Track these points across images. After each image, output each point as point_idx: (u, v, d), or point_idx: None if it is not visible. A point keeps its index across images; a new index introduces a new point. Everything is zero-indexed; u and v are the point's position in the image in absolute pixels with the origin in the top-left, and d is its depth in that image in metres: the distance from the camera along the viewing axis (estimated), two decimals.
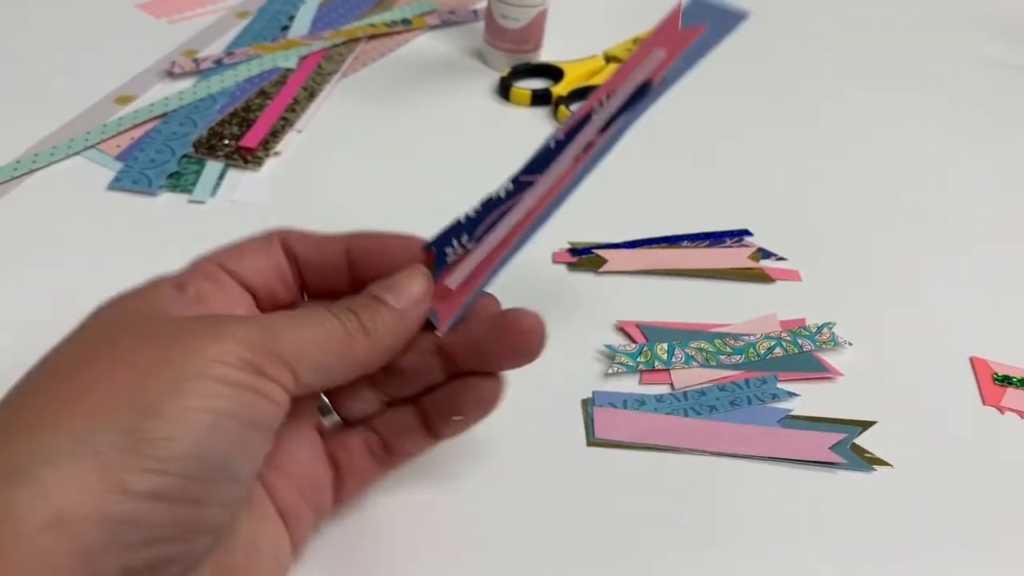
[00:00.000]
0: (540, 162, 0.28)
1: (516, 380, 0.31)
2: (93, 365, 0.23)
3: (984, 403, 0.42)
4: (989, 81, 0.70)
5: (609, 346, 0.42)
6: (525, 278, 0.46)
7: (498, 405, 0.30)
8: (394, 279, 0.29)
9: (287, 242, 0.30)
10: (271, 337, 0.25)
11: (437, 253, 0.30)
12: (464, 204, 0.50)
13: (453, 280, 0.30)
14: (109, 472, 0.21)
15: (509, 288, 0.45)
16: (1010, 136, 0.64)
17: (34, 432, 0.21)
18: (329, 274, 0.30)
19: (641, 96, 0.26)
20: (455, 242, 0.30)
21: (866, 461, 0.38)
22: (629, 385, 0.41)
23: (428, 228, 0.49)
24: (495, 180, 0.54)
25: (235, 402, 0.23)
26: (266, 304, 0.30)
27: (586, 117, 0.27)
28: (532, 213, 0.28)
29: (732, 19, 0.25)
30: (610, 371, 0.41)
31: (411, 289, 0.29)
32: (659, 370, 0.41)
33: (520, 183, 0.29)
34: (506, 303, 0.44)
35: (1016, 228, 0.55)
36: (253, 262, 0.29)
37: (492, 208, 0.29)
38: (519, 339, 0.29)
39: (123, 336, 0.24)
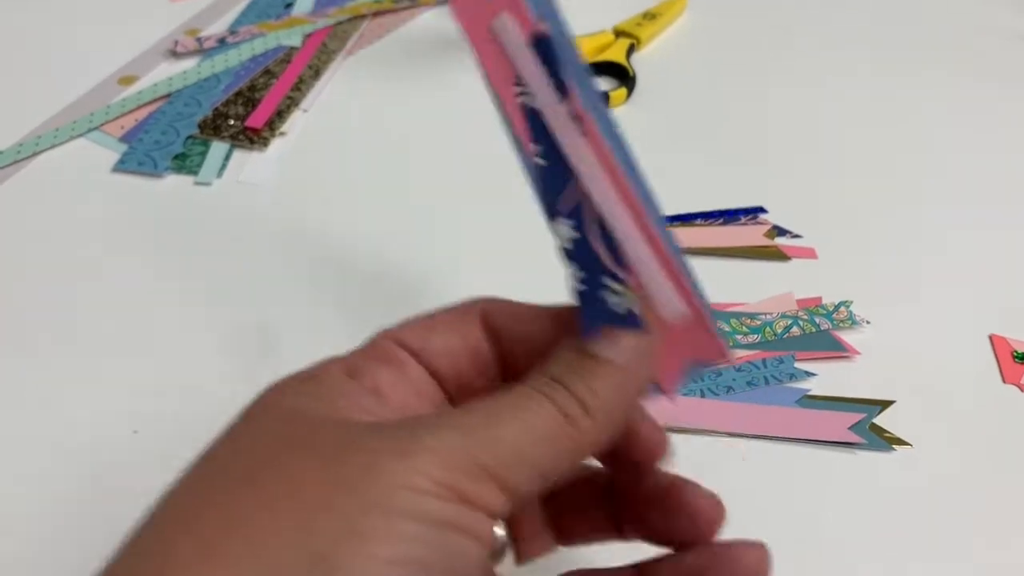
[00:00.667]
0: (555, 177, 0.23)
1: None
2: (247, 491, 0.18)
3: (1004, 381, 0.41)
4: (1008, 54, 0.69)
5: None
6: (538, 260, 0.46)
7: None
8: (605, 331, 0.23)
9: (488, 314, 0.25)
10: (470, 443, 0.19)
11: (602, 323, 0.23)
12: (473, 184, 0.50)
13: (667, 308, 0.23)
14: None
15: (518, 268, 0.45)
16: None
17: None
18: (539, 355, 0.24)
19: (546, 49, 0.22)
20: (604, 293, 0.23)
21: (886, 441, 0.38)
22: None
23: (440, 209, 0.48)
24: (504, 158, 0.53)
25: (430, 547, 0.18)
26: (455, 392, 0.24)
27: (530, 112, 0.23)
28: (630, 201, 0.23)
29: None
30: None
31: (628, 336, 0.22)
32: None
33: (570, 210, 0.23)
34: (515, 282, 0.44)
35: None
36: (444, 341, 0.24)
37: (584, 251, 0.23)
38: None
39: (287, 450, 0.19)
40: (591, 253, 0.23)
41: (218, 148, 0.51)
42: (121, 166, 0.49)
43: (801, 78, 0.63)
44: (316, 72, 0.58)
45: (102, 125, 0.51)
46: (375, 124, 0.54)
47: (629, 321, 0.23)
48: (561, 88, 0.23)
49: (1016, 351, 0.43)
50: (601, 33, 0.63)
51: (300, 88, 0.56)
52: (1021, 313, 0.45)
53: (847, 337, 0.42)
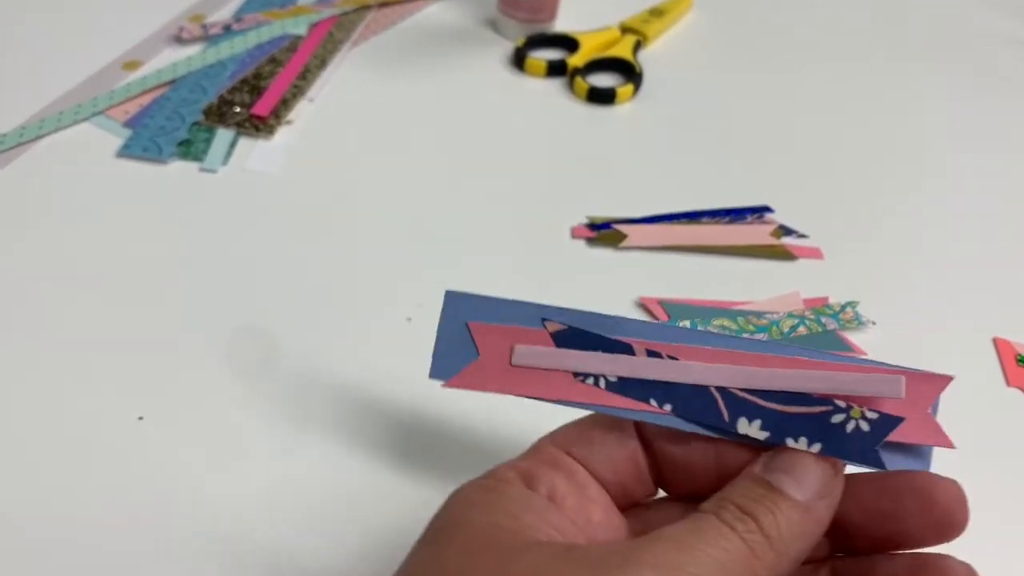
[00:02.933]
0: (692, 404, 0.24)
1: None
2: None
3: (1008, 384, 0.42)
4: (1013, 59, 0.69)
5: None
6: (544, 253, 0.45)
7: None
8: (789, 458, 0.23)
9: (643, 426, 0.25)
10: None
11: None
12: (478, 173, 0.50)
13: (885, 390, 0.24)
14: None
15: (528, 264, 0.45)
16: None
17: None
18: (694, 473, 0.25)
19: (574, 334, 0.24)
20: (830, 419, 0.23)
21: None
22: None
23: (443, 202, 0.48)
24: (509, 151, 0.53)
25: None
26: (619, 500, 0.25)
27: (618, 385, 0.24)
28: (761, 360, 0.24)
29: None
30: None
31: (813, 472, 0.22)
32: None
33: (734, 414, 0.24)
34: (526, 280, 0.44)
35: None
36: (605, 451, 0.25)
37: (784, 426, 0.23)
38: (940, 514, 0.24)
39: None
40: (788, 423, 0.23)
41: (223, 135, 0.50)
42: (125, 151, 0.48)
43: (808, 76, 0.63)
44: (322, 62, 0.57)
45: (106, 110, 0.51)
46: (381, 114, 0.54)
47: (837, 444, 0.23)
48: (616, 347, 0.24)
49: (1020, 354, 0.43)
50: (608, 29, 0.63)
51: (306, 77, 0.56)
52: None
53: (853, 337, 0.42)
